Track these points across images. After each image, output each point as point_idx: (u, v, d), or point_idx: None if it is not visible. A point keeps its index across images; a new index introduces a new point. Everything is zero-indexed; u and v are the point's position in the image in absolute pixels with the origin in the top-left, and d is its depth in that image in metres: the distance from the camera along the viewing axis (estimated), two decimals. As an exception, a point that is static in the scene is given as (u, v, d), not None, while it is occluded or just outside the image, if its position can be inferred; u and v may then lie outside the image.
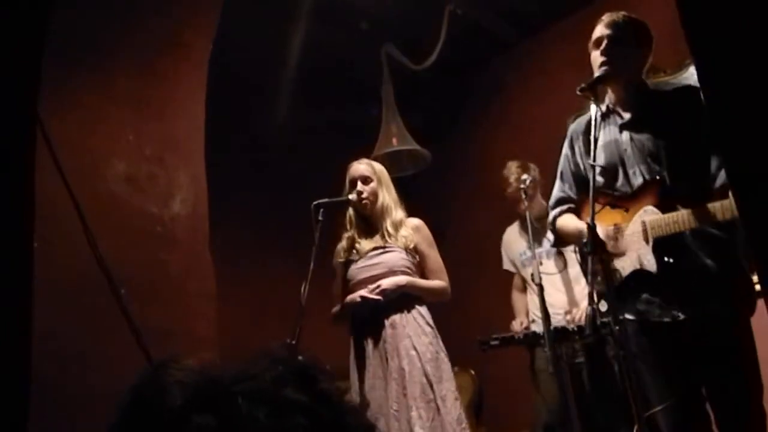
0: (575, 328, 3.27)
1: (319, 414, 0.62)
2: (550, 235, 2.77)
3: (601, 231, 2.12)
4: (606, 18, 2.31)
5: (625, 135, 2.29)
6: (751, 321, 2.17)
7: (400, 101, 4.81)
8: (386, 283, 2.80)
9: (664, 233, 2.13)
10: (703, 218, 2.05)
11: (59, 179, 2.34)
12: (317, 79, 4.83)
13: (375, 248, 2.92)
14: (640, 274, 2.19)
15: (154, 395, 0.62)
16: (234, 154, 4.53)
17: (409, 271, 2.89)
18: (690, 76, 3.78)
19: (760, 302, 2.20)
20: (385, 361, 2.74)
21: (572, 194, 2.47)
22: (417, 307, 2.84)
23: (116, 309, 2.38)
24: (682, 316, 2.14)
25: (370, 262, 2.90)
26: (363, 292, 2.81)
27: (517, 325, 3.75)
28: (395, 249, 2.90)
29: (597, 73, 2.26)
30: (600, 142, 2.25)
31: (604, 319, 2.15)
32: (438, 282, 2.94)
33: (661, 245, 2.15)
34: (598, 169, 2.18)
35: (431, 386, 2.67)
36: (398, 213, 2.98)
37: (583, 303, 3.43)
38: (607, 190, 2.31)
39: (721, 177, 2.11)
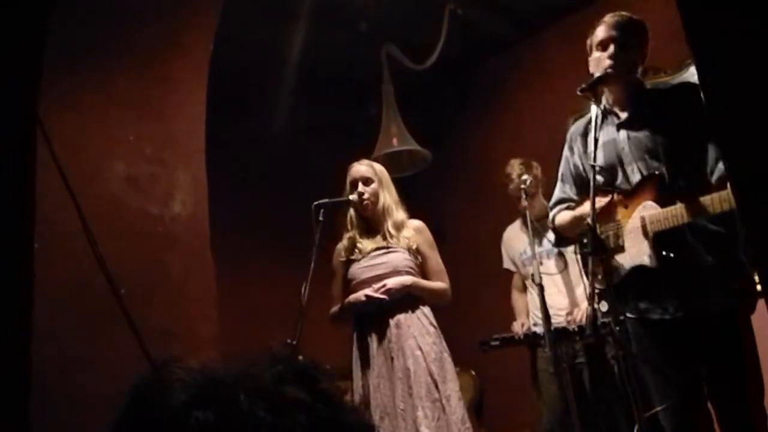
0: (576, 329, 3.27)
1: (319, 413, 0.62)
2: (551, 235, 2.78)
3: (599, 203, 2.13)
4: (609, 19, 2.31)
5: (623, 134, 2.31)
6: (753, 320, 2.17)
7: (400, 101, 4.81)
8: (392, 282, 2.80)
9: (662, 228, 2.14)
10: (700, 211, 2.06)
11: (59, 179, 2.34)
12: (317, 79, 4.83)
13: (378, 248, 2.92)
14: (640, 270, 2.20)
15: (155, 394, 0.62)
16: (234, 154, 4.53)
17: (412, 271, 2.90)
18: (690, 76, 3.78)
19: (761, 302, 2.21)
20: (389, 360, 2.75)
21: (573, 194, 2.49)
22: (421, 307, 2.85)
23: (116, 309, 2.38)
24: (681, 313, 2.14)
25: (373, 262, 2.90)
26: (368, 291, 2.81)
27: (517, 326, 3.75)
28: (398, 249, 2.90)
29: (598, 74, 2.27)
30: (599, 144, 2.25)
31: (605, 320, 2.16)
32: (440, 283, 2.95)
33: (660, 240, 2.15)
34: (597, 169, 2.19)
35: (436, 386, 2.68)
36: (399, 214, 2.98)
37: (584, 303, 3.43)
38: (607, 188, 2.32)
39: (719, 170, 2.12)
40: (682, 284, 2.15)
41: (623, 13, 2.34)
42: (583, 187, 2.45)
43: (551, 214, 2.54)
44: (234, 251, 4.03)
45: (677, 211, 2.11)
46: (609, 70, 2.24)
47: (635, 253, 2.20)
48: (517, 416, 4.21)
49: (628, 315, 2.23)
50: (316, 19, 4.24)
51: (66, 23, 2.49)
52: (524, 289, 3.94)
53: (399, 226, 2.95)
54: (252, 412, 0.59)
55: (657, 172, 2.21)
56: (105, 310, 2.37)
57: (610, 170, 2.32)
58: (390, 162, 4.16)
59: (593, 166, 2.15)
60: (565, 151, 2.52)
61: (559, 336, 3.17)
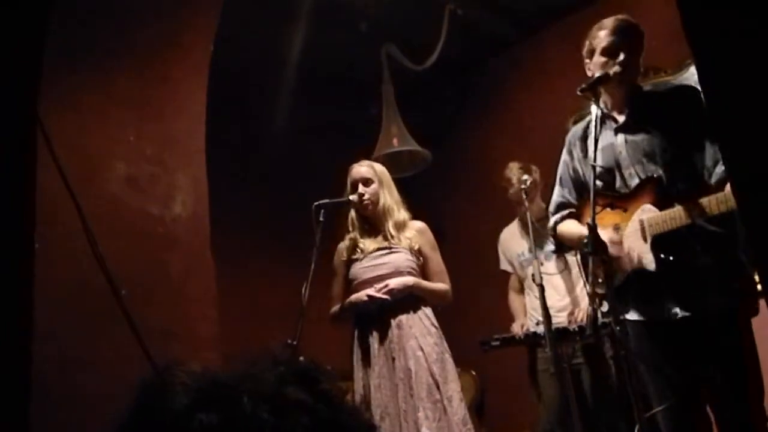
0: (576, 329, 3.28)
1: (321, 414, 0.62)
2: (550, 243, 2.78)
3: (603, 235, 2.12)
4: (612, 24, 2.31)
5: (620, 137, 2.32)
6: (754, 321, 2.17)
7: (400, 101, 4.81)
8: (394, 282, 2.80)
9: (661, 230, 2.15)
10: (699, 213, 2.06)
11: (59, 180, 2.34)
12: (317, 79, 4.83)
13: (380, 248, 2.92)
14: (640, 273, 2.20)
15: (158, 397, 0.62)
16: (234, 154, 4.53)
17: (413, 272, 2.90)
18: (690, 76, 3.79)
19: (761, 302, 2.21)
20: (391, 360, 2.75)
21: (572, 199, 2.49)
22: (423, 308, 2.85)
23: (116, 309, 2.38)
24: (680, 315, 2.14)
25: (375, 262, 2.90)
26: (370, 291, 2.81)
27: (517, 327, 3.76)
28: (401, 250, 2.90)
29: (598, 74, 2.27)
30: (598, 148, 2.25)
31: (605, 320, 2.16)
32: (441, 285, 2.95)
33: (659, 243, 2.16)
34: (598, 170, 2.19)
35: (438, 387, 2.68)
36: (401, 214, 2.98)
37: (583, 303, 3.43)
38: (606, 192, 2.32)
39: (717, 173, 2.12)
40: (682, 286, 2.15)
41: (625, 17, 2.34)
42: (582, 191, 2.46)
43: (552, 220, 2.54)
44: (234, 251, 4.03)
45: (675, 214, 2.11)
46: (618, 76, 2.24)
47: (635, 255, 2.20)
48: (518, 416, 4.21)
49: (628, 317, 2.23)
50: (316, 19, 4.24)
51: (66, 23, 2.49)
52: (521, 290, 3.94)
53: (400, 226, 2.95)
54: (255, 414, 0.59)
55: (655, 175, 2.22)
56: (105, 310, 2.37)
57: (608, 174, 2.32)
58: (390, 162, 4.16)
59: (594, 167, 2.15)
60: (564, 155, 2.53)
61: (559, 336, 3.17)
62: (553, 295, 3.52)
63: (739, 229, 2.08)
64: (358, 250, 2.95)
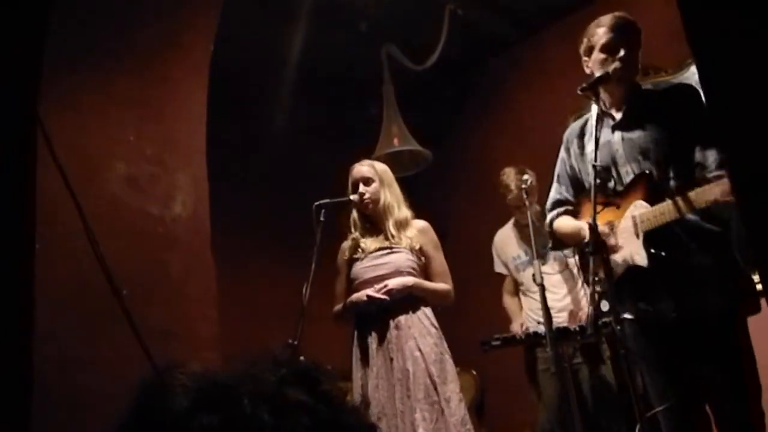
0: (577, 329, 3.28)
1: (321, 414, 0.62)
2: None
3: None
4: (610, 21, 2.31)
5: (617, 135, 2.32)
6: (752, 321, 2.17)
7: (400, 101, 4.81)
8: (393, 283, 2.80)
9: (652, 226, 2.15)
10: (687, 206, 2.07)
11: (60, 180, 2.34)
12: (317, 79, 4.84)
13: (381, 248, 2.91)
14: (634, 270, 2.19)
15: (158, 398, 0.62)
16: (234, 154, 4.53)
17: (414, 272, 2.88)
18: (691, 75, 3.79)
19: (761, 302, 2.21)
20: (389, 361, 2.74)
21: (569, 196, 2.50)
22: (422, 308, 2.83)
23: (116, 309, 2.38)
24: (675, 313, 2.14)
25: (375, 262, 2.89)
26: (369, 292, 2.81)
27: (516, 326, 3.76)
28: (402, 250, 2.89)
29: (598, 73, 2.27)
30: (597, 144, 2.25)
31: (606, 319, 2.16)
32: (443, 285, 2.93)
33: (650, 239, 2.16)
34: (594, 171, 2.19)
35: (435, 388, 2.67)
36: (402, 212, 2.97)
37: (583, 302, 3.43)
38: (601, 190, 2.32)
39: (712, 169, 2.12)
40: (677, 284, 2.15)
41: (620, 14, 2.34)
42: (578, 188, 2.47)
43: (549, 216, 2.55)
44: (234, 251, 4.03)
45: (665, 208, 2.12)
46: (618, 73, 2.24)
47: (628, 253, 2.20)
48: (518, 416, 4.21)
49: (625, 316, 2.23)
50: (316, 19, 4.24)
51: (66, 23, 2.49)
52: (515, 292, 3.95)
53: (401, 225, 2.94)
54: (255, 414, 0.59)
55: (647, 171, 2.22)
56: (105, 310, 2.37)
57: (605, 172, 2.32)
58: (391, 162, 4.15)
59: (594, 166, 2.16)
60: (562, 153, 2.53)
61: (560, 336, 3.17)
62: (553, 295, 3.52)
63: (734, 228, 2.09)
64: (359, 250, 2.95)
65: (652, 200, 2.18)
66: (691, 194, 2.05)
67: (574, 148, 2.47)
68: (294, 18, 4.22)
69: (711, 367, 2.13)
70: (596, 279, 2.11)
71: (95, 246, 2.37)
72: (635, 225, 2.19)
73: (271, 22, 4.27)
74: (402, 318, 2.78)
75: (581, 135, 2.46)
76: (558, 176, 2.54)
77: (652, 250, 2.14)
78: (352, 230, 3.02)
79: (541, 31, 4.86)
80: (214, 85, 2.98)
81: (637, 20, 2.36)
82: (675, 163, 2.21)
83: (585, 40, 2.36)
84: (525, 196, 3.40)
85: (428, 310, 2.86)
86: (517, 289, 3.95)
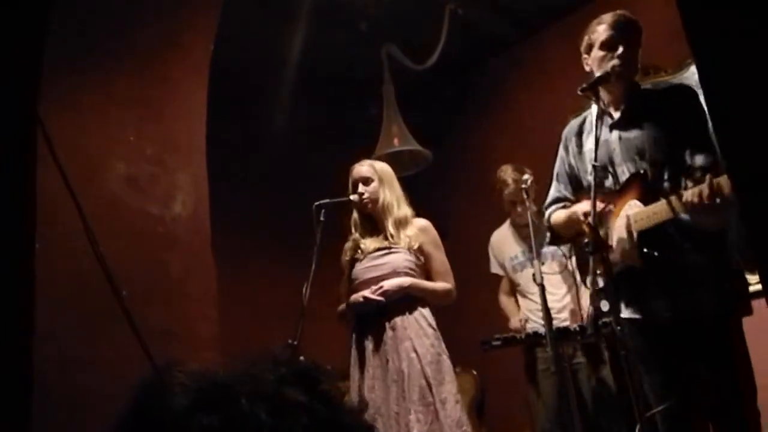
0: (577, 328, 3.28)
1: (320, 414, 0.62)
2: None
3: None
4: (611, 19, 2.31)
5: (615, 134, 2.33)
6: (751, 321, 2.17)
7: (400, 101, 4.81)
8: (388, 284, 2.79)
9: (646, 225, 2.15)
10: (679, 206, 2.07)
11: (60, 180, 2.34)
12: (317, 79, 4.83)
13: (379, 248, 2.91)
14: (629, 270, 2.20)
15: (157, 398, 0.62)
16: (234, 154, 4.53)
17: (412, 272, 2.88)
18: (691, 75, 3.79)
19: (761, 302, 2.21)
20: (385, 362, 2.74)
21: (568, 194, 2.51)
22: (420, 308, 2.82)
23: (116, 309, 2.38)
24: (667, 313, 2.14)
25: (374, 263, 2.89)
26: (365, 293, 2.81)
27: (515, 322, 3.75)
28: (400, 250, 2.88)
29: (599, 73, 2.28)
30: (593, 145, 2.26)
31: (606, 319, 2.16)
32: (442, 284, 2.92)
33: (644, 239, 2.16)
34: (598, 168, 2.20)
35: (431, 389, 2.65)
36: (401, 210, 2.96)
37: (584, 302, 3.43)
38: (599, 189, 2.32)
39: (696, 175, 2.13)
40: (670, 284, 2.15)
41: (624, 12, 2.35)
42: (577, 186, 2.48)
43: (546, 213, 2.56)
44: (234, 251, 4.03)
45: (658, 208, 2.12)
46: (617, 70, 2.24)
47: (622, 252, 2.20)
48: (518, 416, 4.20)
49: (623, 315, 2.23)
50: (316, 19, 4.24)
51: (66, 23, 2.49)
52: (512, 293, 3.95)
53: (401, 223, 2.93)
54: (253, 414, 0.59)
55: (642, 171, 2.22)
56: (105, 310, 2.37)
57: (602, 171, 2.33)
58: (391, 162, 4.13)
59: (594, 165, 2.16)
60: (560, 151, 2.54)
61: (560, 335, 3.17)
62: (552, 296, 3.52)
63: (734, 228, 2.09)
64: (359, 251, 2.95)
65: (646, 200, 2.18)
66: (686, 194, 2.06)
67: (572, 146, 2.48)
68: (294, 18, 4.22)
69: (705, 367, 2.13)
70: (596, 278, 2.11)
71: (95, 246, 2.37)
72: (629, 224, 2.20)
73: (271, 22, 4.26)
74: (398, 319, 2.77)
75: (579, 133, 2.46)
76: (557, 174, 2.55)
77: (645, 250, 2.14)
78: (353, 231, 3.02)
79: (541, 31, 4.86)
80: (214, 85, 2.98)
81: (637, 19, 2.36)
82: (670, 163, 2.21)
83: (586, 37, 2.37)
84: (525, 195, 3.40)
85: (426, 311, 2.84)
86: (513, 290, 3.95)
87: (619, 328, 2.03)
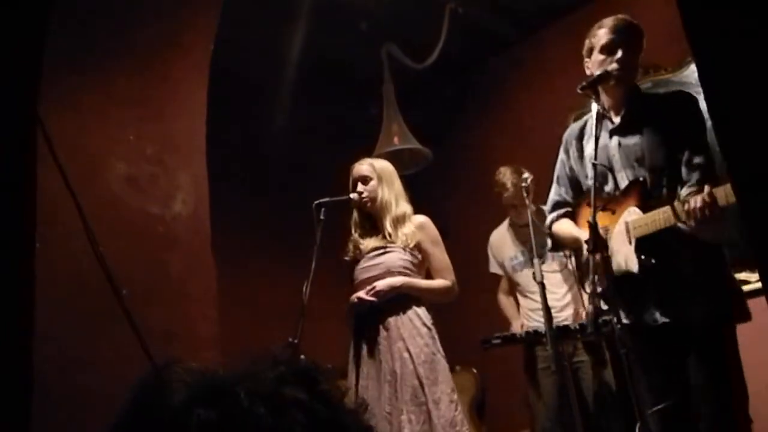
0: (577, 327, 3.28)
1: (319, 413, 0.62)
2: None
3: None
4: (611, 22, 2.32)
5: (614, 140, 2.33)
6: (751, 322, 2.17)
7: (400, 100, 4.81)
8: (380, 284, 2.79)
9: (644, 233, 2.16)
10: (677, 215, 2.08)
11: (60, 180, 2.34)
12: (317, 79, 4.83)
13: (376, 248, 2.91)
14: (626, 275, 2.20)
15: (156, 394, 0.62)
16: (234, 154, 4.53)
17: (407, 271, 2.87)
18: (691, 74, 3.79)
19: (760, 302, 2.21)
20: (379, 363, 2.74)
21: (568, 198, 2.51)
22: (414, 308, 2.81)
23: (117, 309, 2.38)
24: (661, 320, 2.15)
25: (370, 263, 2.90)
26: (360, 294, 2.82)
27: (517, 326, 3.76)
28: (395, 249, 2.88)
29: (597, 72, 2.28)
30: (593, 148, 2.26)
31: (606, 317, 2.17)
32: (440, 281, 2.91)
33: (641, 246, 2.16)
34: (592, 172, 2.20)
35: (423, 389, 2.64)
36: (400, 208, 2.95)
37: (584, 299, 3.43)
38: (598, 194, 2.33)
39: (691, 181, 2.14)
40: (666, 291, 2.16)
41: (624, 16, 2.35)
42: (577, 190, 2.49)
43: (549, 218, 2.55)
44: (234, 251, 4.03)
45: (657, 216, 2.13)
46: (616, 74, 2.25)
47: (620, 258, 2.21)
48: (518, 415, 4.21)
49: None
50: (316, 19, 4.24)
51: (66, 23, 2.49)
52: (511, 292, 3.95)
53: (399, 221, 2.92)
54: (252, 411, 0.59)
55: (641, 178, 2.23)
56: (105, 310, 2.37)
57: (601, 176, 2.33)
58: (391, 161, 4.14)
59: (594, 165, 2.17)
60: (561, 154, 2.54)
61: (560, 334, 3.17)
62: (553, 295, 3.52)
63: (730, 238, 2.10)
64: (358, 251, 2.95)
65: (644, 207, 2.19)
66: (680, 204, 2.07)
67: (573, 150, 2.48)
68: (294, 18, 4.22)
69: (697, 373, 2.13)
70: (596, 278, 2.11)
71: (95, 246, 2.37)
72: (628, 231, 2.20)
73: (271, 22, 4.26)
74: (391, 319, 2.77)
75: (580, 137, 2.47)
76: (557, 178, 2.56)
77: (643, 257, 2.15)
78: (353, 231, 3.02)
79: (541, 31, 4.86)
80: (214, 85, 2.98)
81: (638, 21, 2.36)
82: (669, 170, 2.22)
83: (587, 41, 2.38)
84: (526, 194, 3.40)
85: (420, 310, 2.82)
86: (512, 289, 3.95)
87: (619, 326, 2.03)
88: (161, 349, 2.37)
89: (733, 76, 1.26)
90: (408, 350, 2.70)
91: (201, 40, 2.95)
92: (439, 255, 2.95)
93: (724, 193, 1.95)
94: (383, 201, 2.94)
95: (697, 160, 2.16)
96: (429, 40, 4.57)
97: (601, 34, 2.31)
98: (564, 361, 3.27)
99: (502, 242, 3.94)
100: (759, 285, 2.14)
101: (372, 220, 3.01)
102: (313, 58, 4.56)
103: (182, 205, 2.74)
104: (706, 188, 1.99)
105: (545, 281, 2.96)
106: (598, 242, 2.09)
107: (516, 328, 3.76)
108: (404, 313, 2.78)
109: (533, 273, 2.98)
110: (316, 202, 2.85)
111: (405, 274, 2.85)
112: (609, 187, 2.33)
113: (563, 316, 3.58)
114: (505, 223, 3.95)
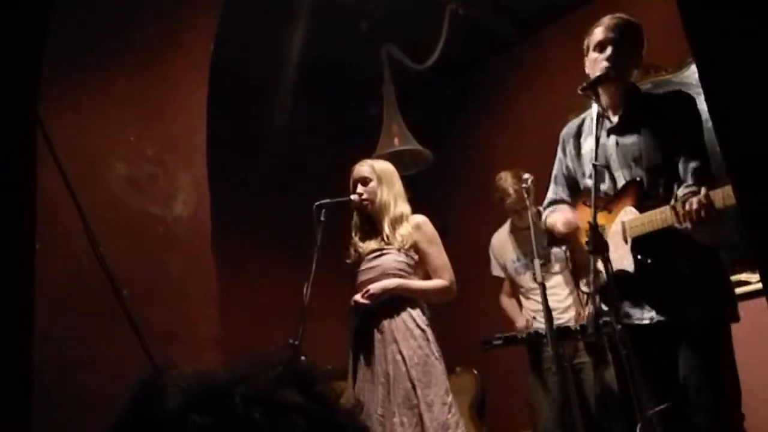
0: (578, 328, 3.28)
1: (316, 415, 0.62)
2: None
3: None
4: (607, 21, 2.32)
5: (612, 139, 2.33)
6: (751, 321, 2.17)
7: (400, 101, 4.81)
8: (374, 287, 2.79)
9: (640, 233, 2.16)
10: (673, 217, 2.07)
11: (60, 180, 2.34)
12: (317, 79, 4.83)
13: (373, 251, 2.91)
14: (621, 275, 2.19)
15: (151, 398, 0.62)
16: (234, 154, 4.53)
17: (403, 272, 2.86)
18: (691, 74, 3.79)
19: (761, 302, 2.21)
20: (373, 365, 2.74)
21: (565, 197, 2.51)
22: (408, 310, 2.79)
23: (117, 309, 2.38)
24: (656, 319, 2.15)
25: (368, 266, 2.90)
26: (356, 297, 2.82)
27: (521, 322, 3.76)
28: (391, 251, 2.87)
29: (596, 73, 2.27)
30: (591, 147, 2.25)
31: (606, 318, 2.17)
32: (436, 281, 2.89)
33: (637, 245, 2.16)
34: (590, 171, 2.20)
35: (416, 391, 2.63)
36: (399, 208, 2.94)
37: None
38: (597, 192, 2.33)
39: (688, 181, 2.14)
40: (661, 291, 2.16)
41: (621, 15, 2.35)
42: (574, 189, 2.48)
43: (544, 215, 2.56)
44: (234, 251, 4.03)
45: (654, 216, 2.13)
46: (604, 70, 2.25)
47: (617, 257, 2.20)
48: (519, 415, 4.20)
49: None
50: (315, 19, 4.24)
51: (66, 23, 2.49)
52: (513, 294, 3.95)
53: (397, 222, 2.91)
54: (248, 415, 0.59)
55: (638, 178, 2.23)
56: (105, 310, 2.37)
57: (600, 175, 2.33)
58: (391, 161, 4.14)
59: (594, 165, 2.16)
60: (558, 153, 2.54)
61: (561, 335, 3.17)
62: (555, 296, 3.52)
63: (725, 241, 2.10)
64: (358, 254, 2.95)
65: (641, 207, 2.19)
66: (677, 204, 2.07)
67: (570, 148, 2.48)
68: (294, 18, 4.23)
69: (693, 372, 2.13)
70: (596, 278, 2.11)
71: (95, 246, 2.38)
72: (624, 230, 2.20)
73: (271, 22, 4.27)
74: (385, 322, 2.76)
75: (578, 135, 2.46)
76: (555, 177, 2.56)
77: (639, 257, 2.15)
78: (353, 234, 3.02)
79: (542, 30, 4.86)
80: (214, 85, 2.98)
81: (638, 22, 2.36)
82: (666, 170, 2.22)
83: (586, 40, 2.38)
84: (526, 195, 3.39)
85: (415, 312, 2.80)
86: (514, 291, 3.95)
87: (619, 326, 2.03)
88: (161, 349, 2.37)
89: (733, 76, 1.26)
90: (401, 352, 2.69)
91: (201, 40, 2.95)
92: (437, 254, 2.92)
93: (722, 196, 1.94)
94: (382, 202, 2.94)
95: (694, 160, 2.16)
96: (429, 40, 4.57)
97: (597, 33, 2.32)
98: (564, 362, 3.27)
99: (503, 245, 3.94)
100: (759, 286, 2.15)
101: (372, 222, 3.01)
102: (313, 58, 4.56)
103: (182, 206, 2.74)
104: (703, 190, 1.98)
105: (547, 283, 2.96)
106: (600, 244, 2.09)
107: (521, 324, 3.75)
108: (398, 315, 2.77)
109: (533, 274, 2.98)
110: (316, 203, 2.85)
111: (401, 276, 2.84)
112: (606, 186, 2.33)
113: (566, 317, 3.58)
114: (507, 226, 3.94)
